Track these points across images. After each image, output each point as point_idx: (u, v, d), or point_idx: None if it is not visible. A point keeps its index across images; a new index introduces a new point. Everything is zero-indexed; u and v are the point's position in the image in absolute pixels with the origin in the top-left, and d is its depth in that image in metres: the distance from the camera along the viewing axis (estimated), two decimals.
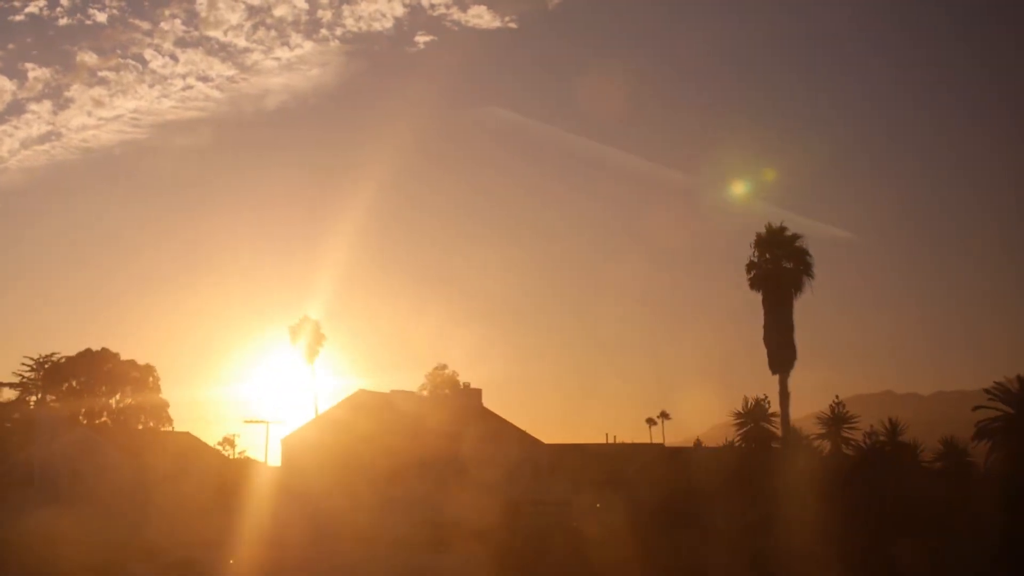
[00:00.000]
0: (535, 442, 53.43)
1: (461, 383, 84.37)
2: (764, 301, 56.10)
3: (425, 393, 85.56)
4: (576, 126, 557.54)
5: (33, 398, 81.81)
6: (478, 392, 53.51)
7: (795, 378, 53.63)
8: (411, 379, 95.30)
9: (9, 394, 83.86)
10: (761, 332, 55.62)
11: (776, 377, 53.02)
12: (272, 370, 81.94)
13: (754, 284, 56.73)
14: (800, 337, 55.48)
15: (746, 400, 50.61)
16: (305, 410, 68.75)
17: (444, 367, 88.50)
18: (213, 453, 56.10)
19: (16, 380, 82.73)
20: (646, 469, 56.43)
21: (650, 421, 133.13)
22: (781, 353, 54.87)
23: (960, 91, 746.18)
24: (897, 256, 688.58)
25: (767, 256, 56.51)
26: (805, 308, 56.54)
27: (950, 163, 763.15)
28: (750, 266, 57.05)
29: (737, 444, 49.28)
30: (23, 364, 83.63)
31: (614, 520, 34.05)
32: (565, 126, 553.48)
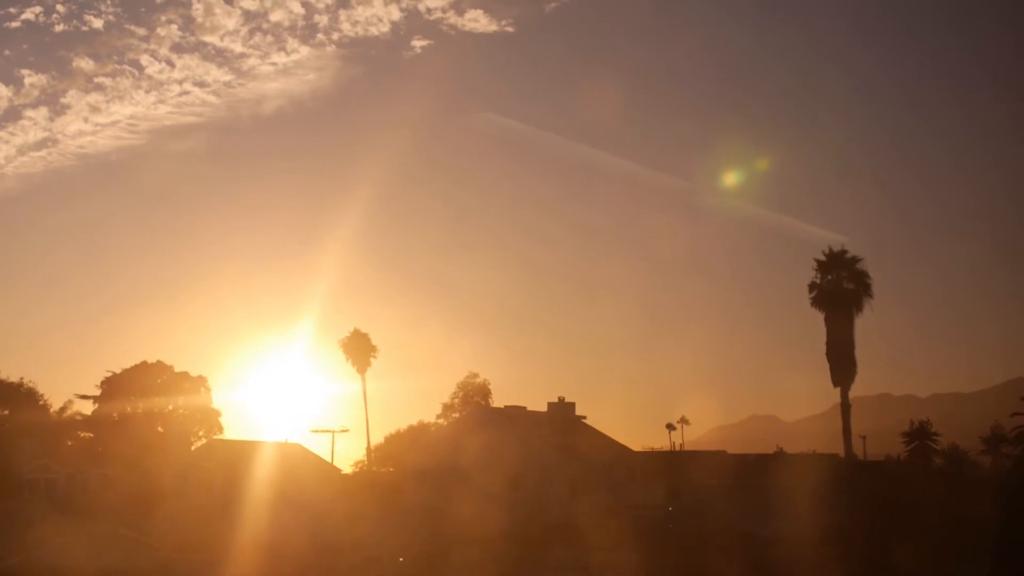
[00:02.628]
0: (626, 450, 57.93)
1: (491, 391, 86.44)
2: (826, 320, 60.68)
3: (457, 401, 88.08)
4: (571, 130, 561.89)
5: (115, 411, 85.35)
6: (572, 405, 57.60)
7: (793, 382, 59.26)
8: (441, 386, 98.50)
9: (87, 406, 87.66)
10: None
11: (773, 380, 59.35)
12: (314, 379, 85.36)
13: (816, 303, 61.38)
14: (797, 341, 60.53)
15: (912, 422, 57.25)
16: (359, 420, 72.27)
17: (476, 375, 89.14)
18: (324, 463, 60.65)
19: (98, 393, 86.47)
20: (719, 474, 60.77)
21: (669, 426, 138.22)
22: (843, 368, 59.57)
23: (960, 90, 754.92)
24: (893, 258, 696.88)
25: (829, 277, 61.28)
26: (804, 313, 61.51)
27: (946, 165, 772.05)
28: (812, 286, 61.71)
29: (903, 459, 55.43)
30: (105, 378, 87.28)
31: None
32: (562, 131, 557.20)
